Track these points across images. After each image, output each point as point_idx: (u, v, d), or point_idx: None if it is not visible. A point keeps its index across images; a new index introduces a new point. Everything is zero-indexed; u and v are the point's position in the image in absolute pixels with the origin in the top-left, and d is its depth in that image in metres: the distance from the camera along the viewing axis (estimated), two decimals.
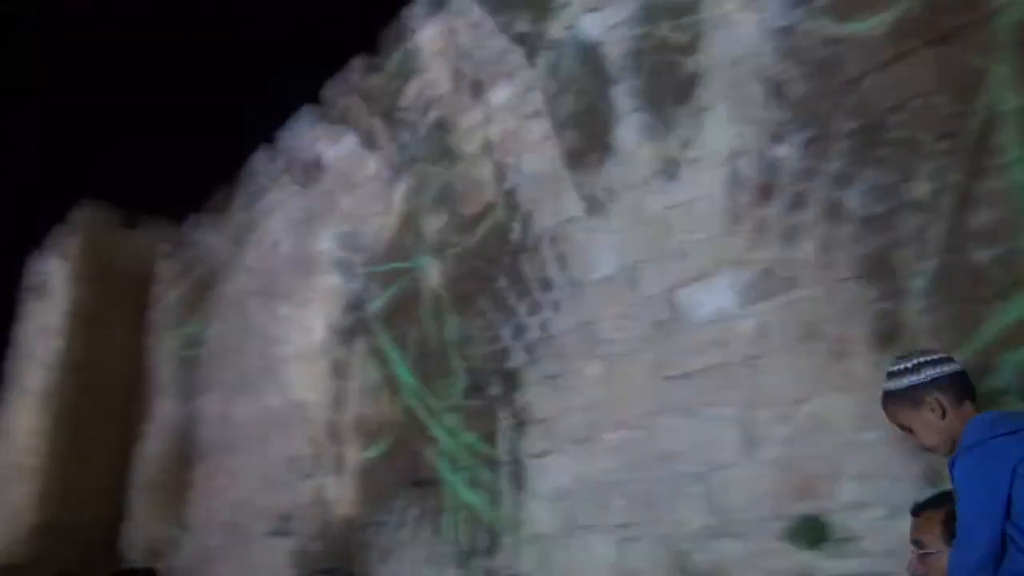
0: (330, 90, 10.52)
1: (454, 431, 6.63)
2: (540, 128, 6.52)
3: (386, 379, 7.75)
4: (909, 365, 1.58)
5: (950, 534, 1.45)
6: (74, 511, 14.01)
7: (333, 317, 8.98)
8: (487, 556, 5.99)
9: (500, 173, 6.89)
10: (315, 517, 8.30)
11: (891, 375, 1.62)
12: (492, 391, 6.37)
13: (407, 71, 8.66)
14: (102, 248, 15.85)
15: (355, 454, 7.93)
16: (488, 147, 7.10)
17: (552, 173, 6.28)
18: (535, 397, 5.93)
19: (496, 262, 6.64)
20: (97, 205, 16.22)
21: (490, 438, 6.29)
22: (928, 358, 1.57)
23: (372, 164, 8.95)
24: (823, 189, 4.37)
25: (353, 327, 8.53)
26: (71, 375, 14.87)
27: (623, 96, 5.71)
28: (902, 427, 1.61)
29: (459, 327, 6.92)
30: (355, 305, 8.57)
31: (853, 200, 4.22)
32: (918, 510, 1.64)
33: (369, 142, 9.16)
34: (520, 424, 6.00)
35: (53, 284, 17.16)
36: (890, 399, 1.61)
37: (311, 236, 9.96)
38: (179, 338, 13.64)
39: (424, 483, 6.82)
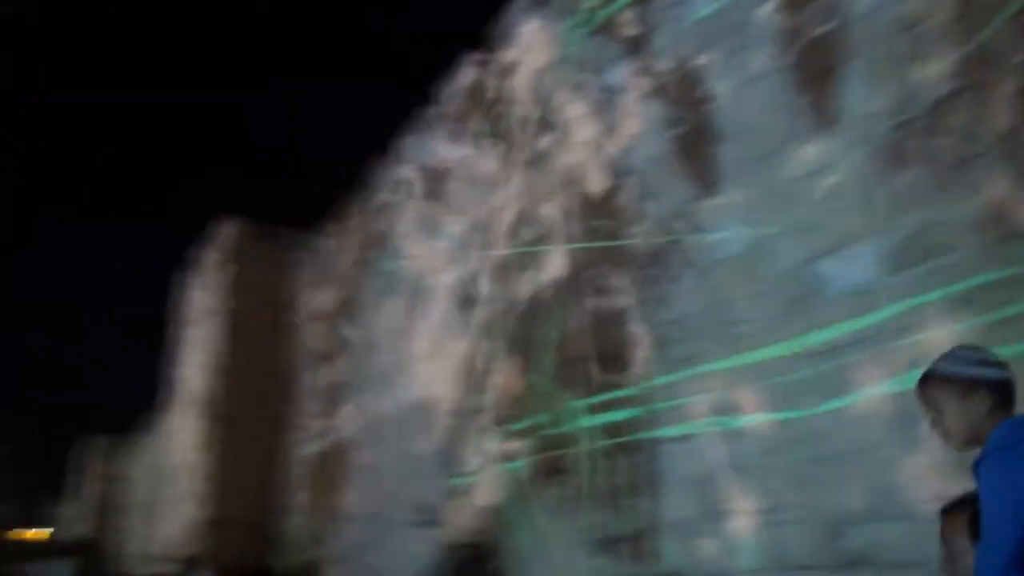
0: (442, 90, 10.74)
1: (590, 418, 6.64)
2: (655, 108, 6.40)
3: (519, 370, 7.86)
4: (975, 357, 1.61)
5: (976, 534, 1.47)
6: (234, 506, 15.07)
7: (463, 313, 9.19)
8: (629, 543, 5.97)
9: (615, 158, 6.83)
10: (458, 508, 8.54)
11: (951, 359, 1.64)
12: (624, 377, 6.33)
13: (515, 65, 8.73)
14: (244, 261, 16.90)
15: (494, 445, 8.09)
16: (602, 133, 7.04)
17: (670, 153, 6.15)
18: (668, 381, 5.84)
19: (619, 247, 6.58)
20: (236, 221, 17.31)
21: (625, 424, 6.26)
22: (991, 358, 1.61)
23: (488, 160, 9.08)
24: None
25: (483, 321, 8.69)
26: (224, 380, 15.97)
27: (747, 65, 5.51)
28: (930, 407, 1.64)
29: (586, 315, 6.91)
30: (484, 300, 8.72)
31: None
32: (946, 510, 1.66)
33: (483, 138, 9.29)
34: (655, 409, 5.93)
35: (202, 296, 18.49)
36: (938, 379, 1.63)
37: (434, 235, 10.23)
38: (320, 339, 14.35)
39: (563, 471, 6.87)
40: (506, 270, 8.33)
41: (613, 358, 6.50)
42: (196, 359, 18.16)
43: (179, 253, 20.30)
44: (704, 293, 5.60)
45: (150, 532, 21.80)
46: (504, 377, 8.06)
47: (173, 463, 19.73)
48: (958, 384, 1.57)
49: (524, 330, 7.83)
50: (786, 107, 5.11)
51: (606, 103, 7.04)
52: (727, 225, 5.48)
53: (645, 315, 6.17)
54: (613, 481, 6.23)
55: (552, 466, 7.01)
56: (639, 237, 6.36)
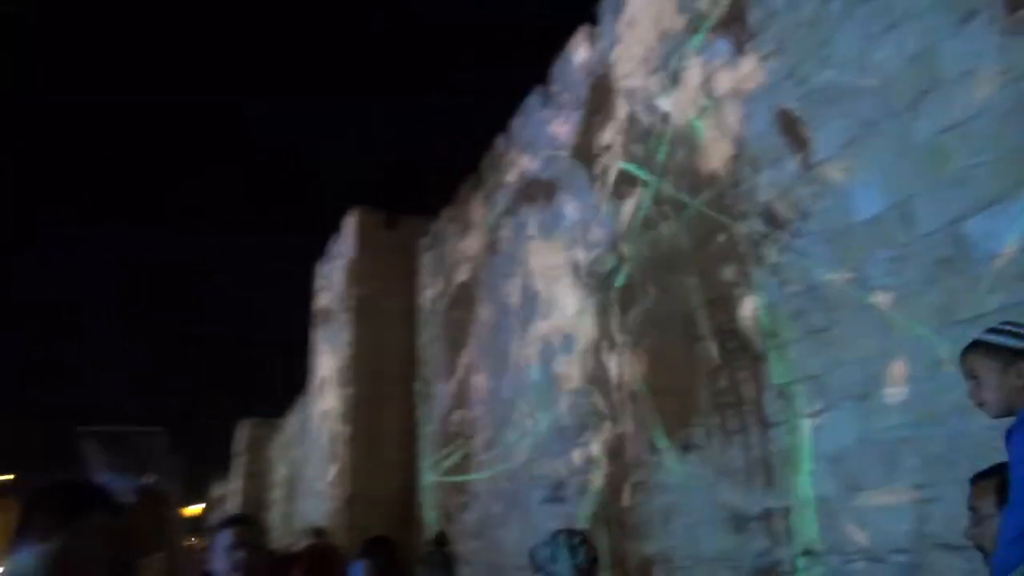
0: (555, 69, 10.71)
1: (717, 393, 6.48)
2: (774, 68, 6.11)
3: (640, 347, 7.78)
4: (1019, 331, 1.64)
5: (1003, 501, 1.52)
6: (371, 484, 15.78)
7: (584, 291, 9.17)
8: (763, 520, 5.80)
9: (733, 123, 6.59)
10: (586, 483, 8.58)
11: (996, 330, 1.68)
12: (751, 350, 6.13)
13: (623, 38, 8.57)
14: (371, 248, 17.60)
15: (619, 422, 8.06)
16: (717, 98, 6.80)
17: (792, 114, 5.87)
18: (801, 353, 5.60)
19: (742, 216, 6.36)
20: (363, 210, 18.01)
21: (754, 399, 6.07)
22: None
23: (605, 135, 8.98)
24: None
25: (603, 300, 8.65)
26: (358, 363, 16.72)
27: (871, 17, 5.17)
28: (971, 376, 1.69)
29: (708, 288, 6.74)
30: (604, 276, 8.68)
31: None
32: (976, 478, 1.74)
33: (597, 115, 9.20)
34: (787, 383, 5.71)
35: (335, 284, 19.40)
36: (981, 349, 1.66)
37: (554, 214, 10.25)
38: (444, 324, 14.74)
39: (690, 447, 6.76)
40: (623, 247, 8.24)
41: (736, 331, 6.32)
42: (332, 345, 19.10)
43: (316, 243, 21.37)
44: (837, 260, 5.33)
45: (293, 508, 23.23)
46: (624, 355, 8.00)
47: (314, 444, 20.88)
48: (998, 355, 1.61)
49: (639, 307, 7.72)
50: (925, 55, 4.75)
51: (725, 65, 6.80)
52: (861, 186, 5.18)
53: (774, 285, 5.94)
54: (748, 457, 6.06)
55: (680, 442, 6.91)
56: (766, 203, 6.11)
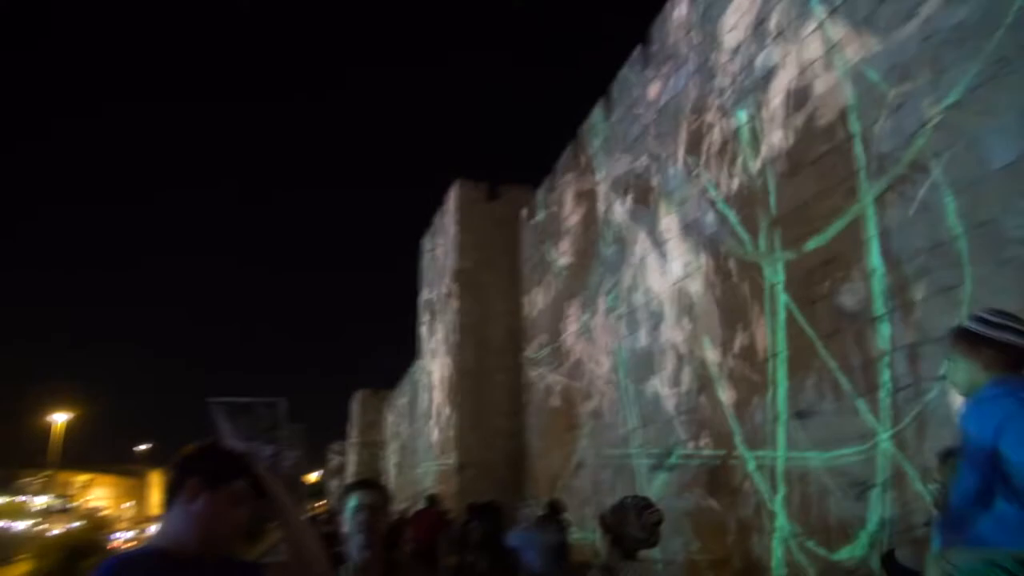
0: (655, 28, 10.41)
1: (836, 356, 6.21)
2: (893, 9, 5.70)
3: (756, 312, 7.53)
4: (995, 320, 1.74)
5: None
6: (483, 451, 16.12)
7: (693, 253, 8.96)
8: (887, 486, 5.54)
9: (848, 71, 6.20)
10: (698, 450, 8.45)
11: (975, 317, 1.80)
12: (872, 309, 5.82)
13: None
14: (474, 220, 17.79)
15: (728, 391, 7.87)
16: (835, 45, 6.42)
17: (914, 57, 5.46)
18: (928, 312, 5.27)
19: (861, 169, 6.01)
20: (465, 182, 18.20)
21: (871, 363, 5.78)
22: (1012, 324, 1.72)
23: (708, 91, 8.67)
24: None
25: (714, 264, 8.42)
26: (465, 334, 17.02)
27: None
28: (948, 356, 1.84)
29: (826, 246, 6.43)
30: (711, 239, 8.44)
31: None
32: (941, 456, 2.06)
33: (700, 74, 8.88)
34: (914, 344, 5.39)
35: (440, 257, 19.77)
36: (962, 335, 1.79)
37: (659, 176, 10.02)
38: (550, 292, 14.76)
39: (805, 414, 6.52)
40: (730, 205, 7.96)
41: (852, 292, 6.00)
42: (439, 317, 19.52)
43: (422, 216, 21.81)
44: (968, 212, 4.96)
45: (405, 476, 24.05)
46: (737, 320, 7.77)
47: (424, 413, 21.49)
48: (970, 340, 1.74)
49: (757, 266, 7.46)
50: None
51: (839, 8, 6.40)
52: (994, 131, 4.79)
53: (895, 242, 5.60)
54: (867, 422, 5.79)
55: (797, 410, 6.68)
56: (884, 154, 5.75)
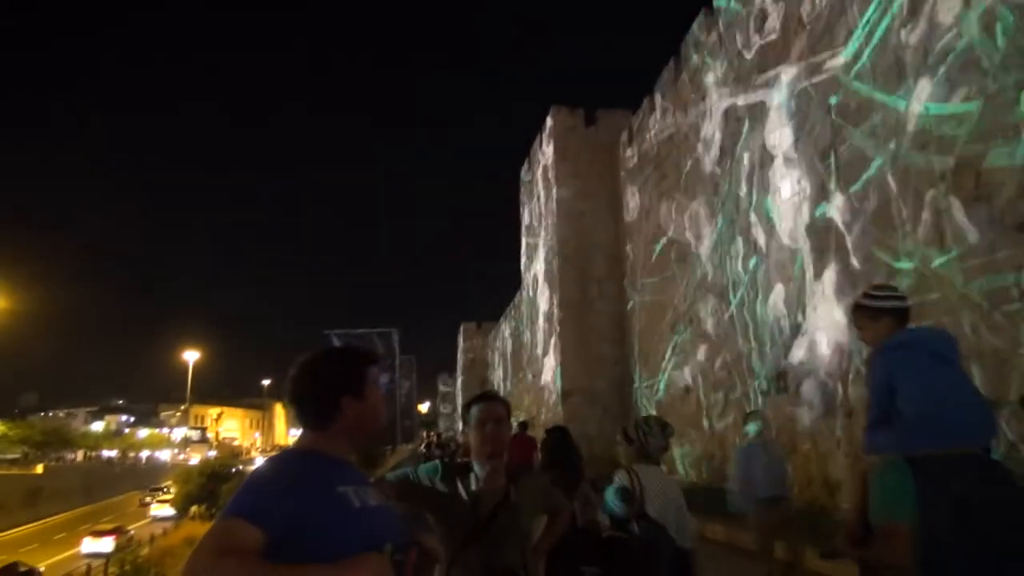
0: None
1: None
2: None
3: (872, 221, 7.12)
4: (881, 295, 2.18)
5: None
6: (587, 379, 16.23)
7: (798, 170, 8.51)
8: None
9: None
10: (810, 372, 8.21)
11: (866, 294, 2.21)
12: None
13: None
14: (571, 147, 17.49)
15: (830, 312, 7.53)
16: None
17: None
18: None
19: None
20: (561, 109, 17.84)
21: None
22: (895, 293, 2.19)
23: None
24: None
25: (823, 178, 7.97)
26: (565, 263, 16.97)
27: None
28: (855, 325, 2.26)
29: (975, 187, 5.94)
30: (824, 152, 7.96)
31: None
32: None
33: None
34: None
35: (538, 187, 19.64)
36: (858, 307, 2.22)
37: (766, 91, 9.51)
38: (652, 217, 14.45)
39: None
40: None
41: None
42: (540, 248, 19.52)
43: (521, 146, 21.67)
44: None
45: (512, 404, 24.62)
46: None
47: (528, 343, 21.79)
48: (869, 312, 2.16)
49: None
50: None
51: None
52: None
53: None
54: None
55: None
56: None
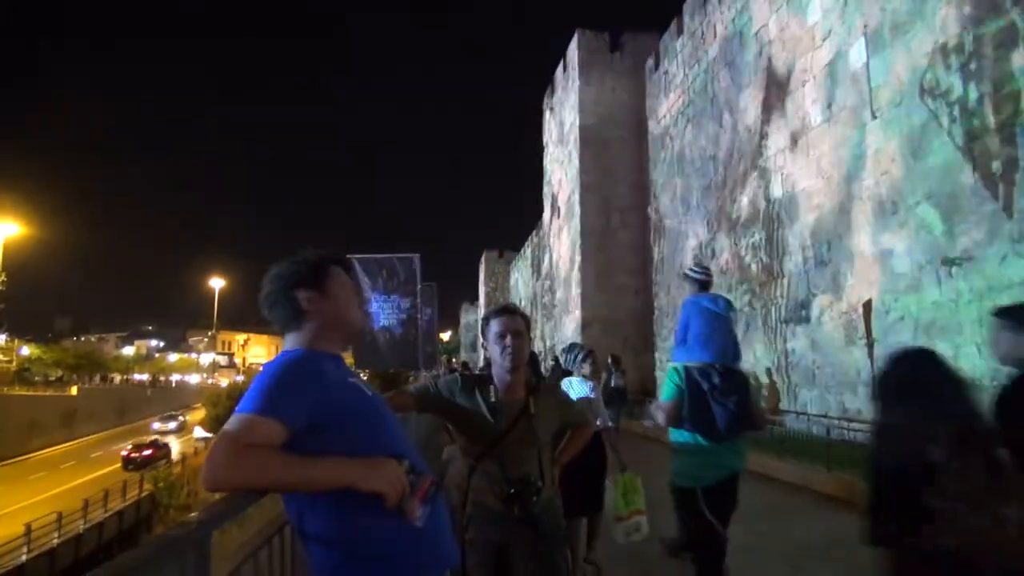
0: None
1: None
2: None
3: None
4: (697, 270, 3.16)
5: None
6: (609, 307, 16.27)
7: (846, 95, 8.26)
8: None
9: None
10: (831, 305, 8.15)
11: (691, 269, 3.17)
12: None
13: None
14: (595, 73, 17.06)
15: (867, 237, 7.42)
16: None
17: None
18: None
19: None
20: (585, 33, 17.34)
21: None
22: (704, 271, 3.14)
23: None
24: None
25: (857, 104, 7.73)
26: (588, 193, 16.78)
27: None
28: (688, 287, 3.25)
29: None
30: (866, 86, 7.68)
31: None
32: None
33: None
34: None
35: (561, 115, 19.27)
36: (684, 277, 3.24)
37: (799, 9, 9.16)
38: (678, 144, 14.19)
39: (954, 262, 6.06)
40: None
41: None
42: (562, 176, 19.29)
43: (541, 73, 21.19)
44: None
45: (534, 333, 24.76)
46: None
47: (550, 272, 21.79)
48: (689, 279, 3.12)
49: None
50: None
51: None
52: None
53: None
54: None
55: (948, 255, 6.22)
56: None
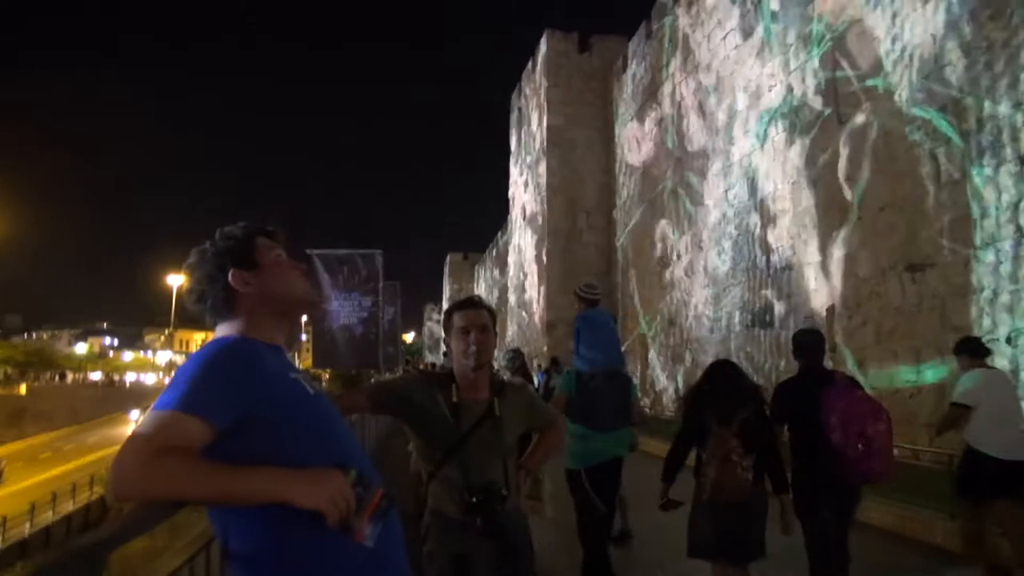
0: None
1: None
2: None
3: None
4: (587, 291, 3.73)
5: None
6: (572, 308, 16.14)
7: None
8: None
9: None
10: (798, 308, 8.15)
11: (582, 288, 3.75)
12: None
13: None
14: (563, 74, 16.98)
15: (847, 241, 7.40)
16: None
17: None
18: None
19: None
20: (553, 34, 17.27)
21: None
22: (592, 291, 3.73)
23: None
24: None
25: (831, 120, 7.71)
26: (554, 194, 16.68)
27: None
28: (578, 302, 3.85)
29: None
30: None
31: None
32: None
33: None
34: None
35: (528, 115, 19.16)
36: (575, 295, 3.80)
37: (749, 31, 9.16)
38: (641, 149, 14.15)
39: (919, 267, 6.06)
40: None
41: None
42: (528, 177, 19.19)
43: (512, 72, 21.08)
44: None
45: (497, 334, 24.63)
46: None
47: (515, 274, 21.67)
48: (579, 298, 3.71)
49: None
50: None
51: None
52: None
53: None
54: None
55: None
56: None
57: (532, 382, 5.54)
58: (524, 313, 19.51)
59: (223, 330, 1.16)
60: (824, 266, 7.67)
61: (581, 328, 3.50)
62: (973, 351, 3.56)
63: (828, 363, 4.09)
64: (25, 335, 69.06)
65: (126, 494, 0.93)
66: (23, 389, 40.10)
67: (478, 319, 1.79)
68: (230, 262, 1.17)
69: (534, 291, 18.03)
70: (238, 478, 0.98)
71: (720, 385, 2.82)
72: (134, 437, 0.96)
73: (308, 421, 1.10)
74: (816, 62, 7.91)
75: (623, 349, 5.83)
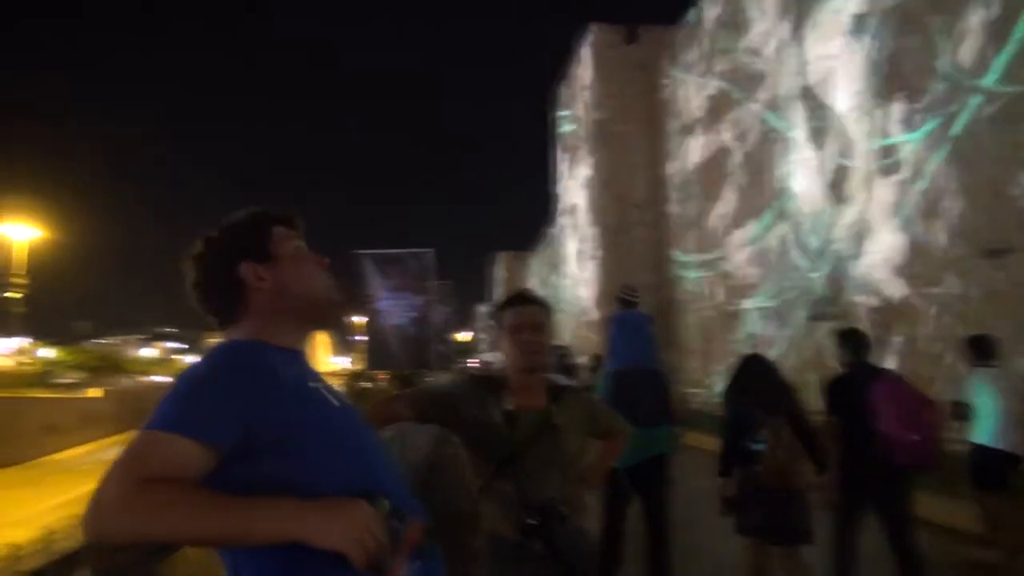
0: None
1: None
2: None
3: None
4: (627, 293, 3.85)
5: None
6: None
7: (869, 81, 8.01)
8: None
9: None
10: (856, 306, 7.93)
11: (622, 291, 3.89)
12: None
13: None
14: (610, 67, 16.82)
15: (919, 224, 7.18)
16: None
17: None
18: None
19: None
20: (599, 28, 17.11)
21: None
22: (631, 294, 3.82)
23: None
24: None
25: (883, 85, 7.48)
26: (604, 189, 16.55)
27: None
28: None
29: None
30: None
31: None
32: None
33: None
34: None
35: (576, 110, 19.02)
36: (616, 299, 3.90)
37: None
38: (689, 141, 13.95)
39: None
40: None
41: None
42: (576, 173, 19.07)
43: (553, 66, 20.98)
44: None
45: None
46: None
47: (565, 271, 21.57)
48: (618, 299, 3.85)
49: None
50: None
51: None
52: None
53: None
54: None
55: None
56: None
57: (573, 378, 5.39)
58: (575, 310, 19.41)
59: (232, 332, 1.02)
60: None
61: (614, 329, 3.63)
62: (981, 350, 3.70)
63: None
64: (94, 341, 71.71)
65: (104, 533, 0.80)
66: (100, 392, 41.54)
67: (532, 316, 1.62)
68: (241, 253, 1.02)
69: (584, 288, 17.92)
70: (242, 513, 0.81)
71: (759, 378, 3.00)
72: (116, 464, 0.81)
73: (330, 439, 0.94)
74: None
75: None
